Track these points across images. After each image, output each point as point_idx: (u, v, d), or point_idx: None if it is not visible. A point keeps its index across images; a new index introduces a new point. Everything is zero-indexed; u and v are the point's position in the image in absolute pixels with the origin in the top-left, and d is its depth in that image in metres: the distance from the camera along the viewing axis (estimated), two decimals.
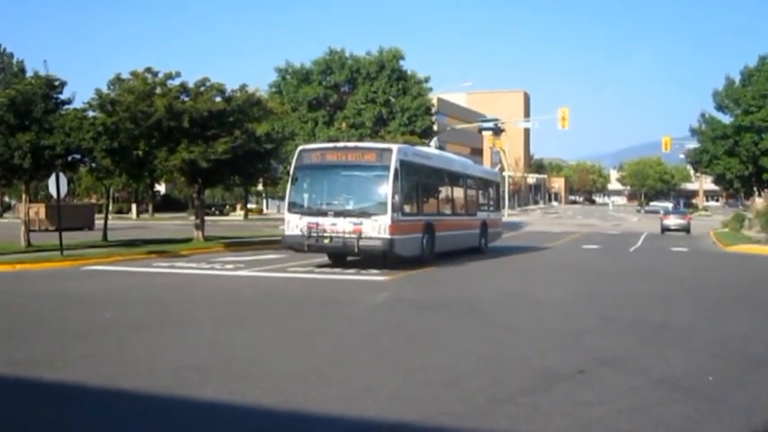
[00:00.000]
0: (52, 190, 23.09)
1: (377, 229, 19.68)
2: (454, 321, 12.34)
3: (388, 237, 19.67)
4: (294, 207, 21.18)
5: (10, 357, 9.11)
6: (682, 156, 74.40)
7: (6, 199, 79.96)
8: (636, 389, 7.79)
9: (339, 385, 7.89)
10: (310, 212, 20.65)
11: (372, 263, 21.21)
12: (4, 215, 70.10)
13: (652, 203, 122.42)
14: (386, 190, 20.02)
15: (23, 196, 27.77)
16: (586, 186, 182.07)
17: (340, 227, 19.94)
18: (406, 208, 21.16)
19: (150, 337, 10.55)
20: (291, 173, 21.79)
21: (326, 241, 20.14)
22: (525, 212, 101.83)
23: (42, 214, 43.87)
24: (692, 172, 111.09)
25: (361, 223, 19.79)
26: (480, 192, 29.79)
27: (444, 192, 25.85)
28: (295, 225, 20.64)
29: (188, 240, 31.05)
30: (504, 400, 7.35)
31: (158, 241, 30.78)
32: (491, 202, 31.40)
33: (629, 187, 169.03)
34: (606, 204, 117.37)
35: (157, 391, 7.60)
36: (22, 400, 7.42)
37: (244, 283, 17.83)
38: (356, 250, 19.94)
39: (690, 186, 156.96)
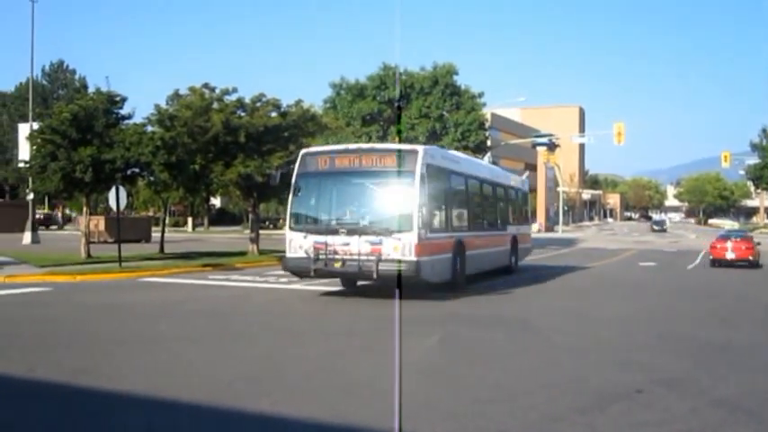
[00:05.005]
0: (112, 203, 23.58)
1: (400, 249, 16.12)
2: (507, 339, 12.23)
3: (415, 259, 16.07)
4: (297, 223, 17.61)
5: (68, 367, 9.32)
6: (742, 172, 72.80)
7: (67, 211, 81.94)
8: (695, 410, 7.63)
9: (395, 400, 7.87)
10: (317, 230, 17.10)
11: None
12: (66, 227, 71.77)
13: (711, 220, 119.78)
14: (410, 201, 16.40)
15: (84, 209, 28.41)
16: (642, 203, 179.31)
17: (354, 247, 16.40)
18: (435, 223, 17.47)
19: (205, 350, 10.69)
20: (293, 182, 18.05)
21: (338, 265, 16.60)
22: (580, 229, 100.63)
23: (102, 226, 44.78)
24: (752, 188, 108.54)
25: (380, 243, 16.27)
26: (510, 203, 26.02)
27: (474, 203, 21.79)
28: (298, 245, 17.12)
29: (243, 254, 31.43)
30: (558, 418, 7.25)
31: (213, 254, 31.19)
32: (521, 215, 27.57)
33: (686, 204, 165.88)
34: (663, 221, 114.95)
35: (212, 402, 7.69)
36: (79, 409, 7.58)
37: (297, 296, 17.91)
38: (375, 276, 16.24)
39: (750, 203, 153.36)
